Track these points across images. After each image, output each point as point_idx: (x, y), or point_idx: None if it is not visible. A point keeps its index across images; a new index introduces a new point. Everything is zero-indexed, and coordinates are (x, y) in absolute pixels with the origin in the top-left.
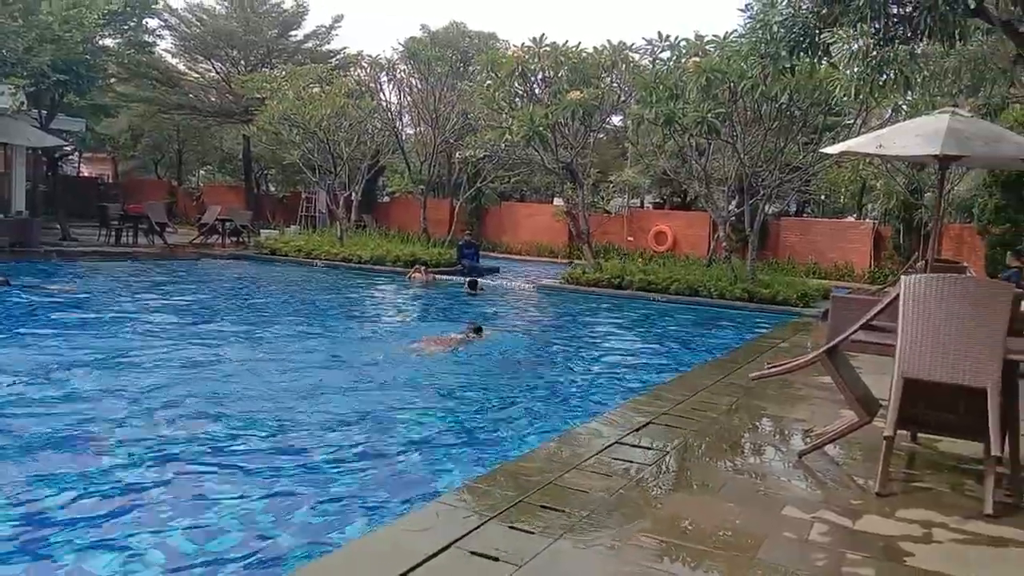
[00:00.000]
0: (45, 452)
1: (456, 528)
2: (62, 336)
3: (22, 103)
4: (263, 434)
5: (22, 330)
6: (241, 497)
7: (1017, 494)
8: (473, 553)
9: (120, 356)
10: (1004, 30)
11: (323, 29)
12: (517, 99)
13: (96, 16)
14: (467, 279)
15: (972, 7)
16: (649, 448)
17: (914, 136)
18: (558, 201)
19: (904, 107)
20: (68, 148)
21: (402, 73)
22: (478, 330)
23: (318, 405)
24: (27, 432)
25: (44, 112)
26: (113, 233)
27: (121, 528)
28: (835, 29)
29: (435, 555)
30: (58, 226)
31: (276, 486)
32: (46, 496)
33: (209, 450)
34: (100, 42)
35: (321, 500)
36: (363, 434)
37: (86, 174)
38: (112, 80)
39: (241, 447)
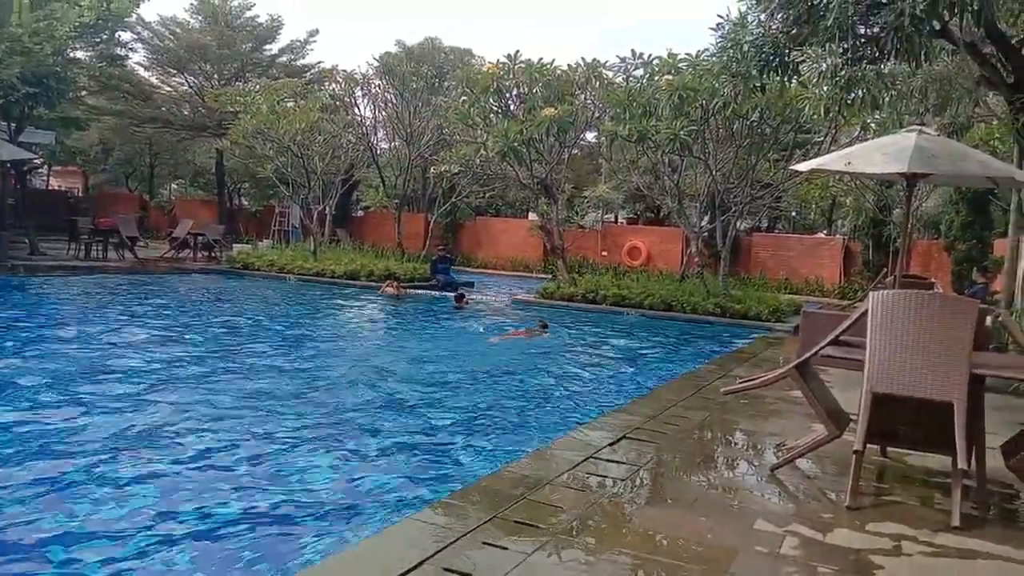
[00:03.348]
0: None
1: (430, 544)
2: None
3: None
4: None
5: None
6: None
7: (984, 507)
8: (447, 570)
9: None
10: (968, 51)
11: (298, 43)
12: (492, 115)
13: (67, 29)
14: (454, 294)
15: (937, 28)
16: (622, 463)
17: (882, 154)
18: (533, 216)
19: (873, 125)
20: (37, 161)
21: (377, 88)
22: (544, 326)
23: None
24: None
25: (13, 125)
26: (83, 247)
27: None
28: (804, 49)
29: (408, 572)
30: (26, 240)
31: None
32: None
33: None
34: (71, 54)
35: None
36: None
37: (56, 187)
38: (83, 93)
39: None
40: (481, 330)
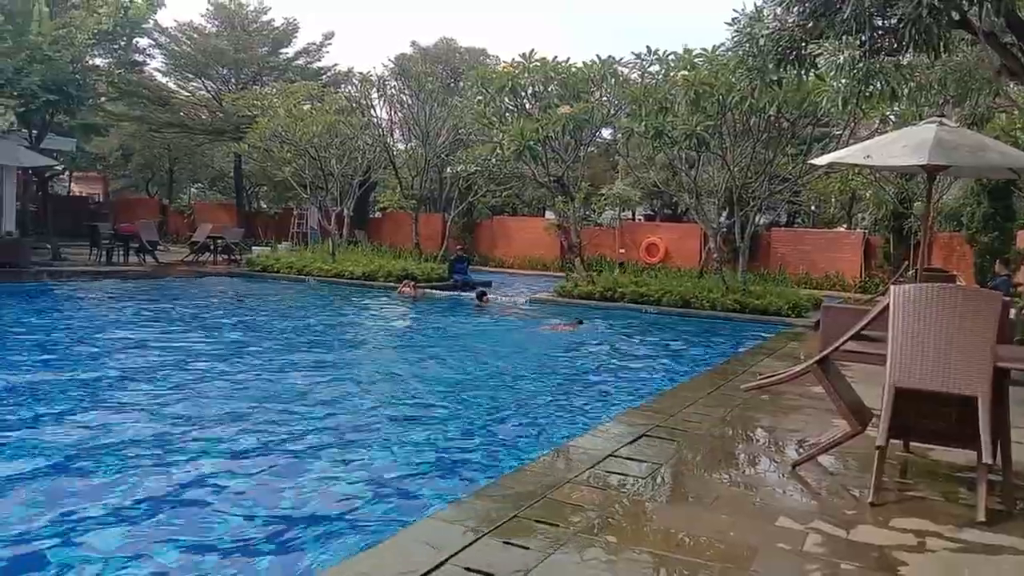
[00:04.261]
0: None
1: (451, 544)
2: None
3: (12, 123)
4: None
5: None
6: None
7: (1009, 501)
8: (468, 569)
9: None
10: (987, 41)
11: (313, 46)
12: (507, 114)
13: (86, 36)
14: (476, 292)
15: (956, 19)
16: (643, 461)
17: (901, 146)
18: (549, 214)
19: (892, 118)
20: (58, 168)
21: (393, 89)
22: (580, 322)
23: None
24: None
25: (34, 132)
26: (104, 252)
27: None
28: (821, 41)
29: (430, 571)
30: (48, 246)
31: None
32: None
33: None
34: (90, 62)
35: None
36: None
37: (77, 193)
38: (102, 99)
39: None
40: (515, 327)
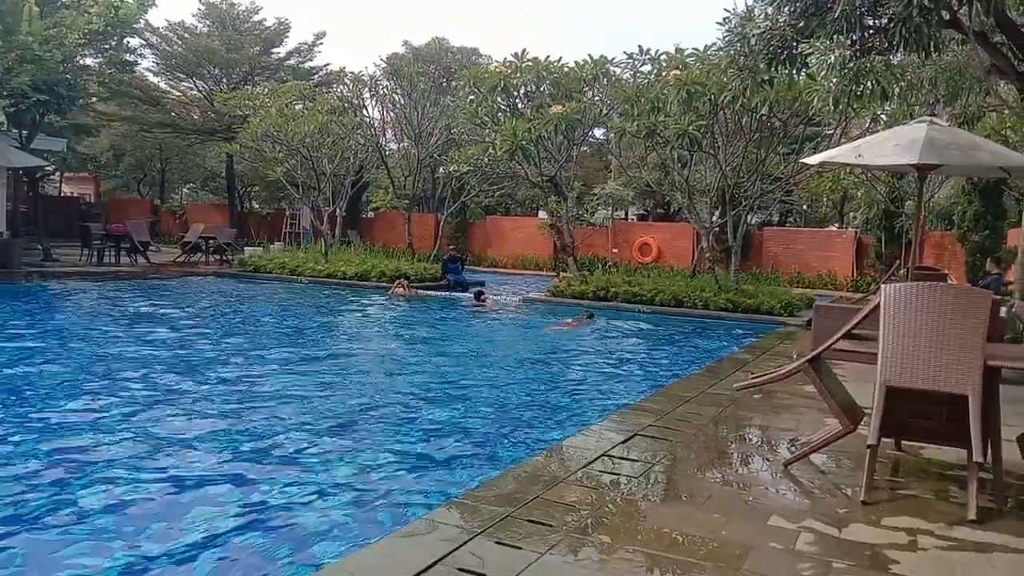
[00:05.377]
0: None
1: (443, 544)
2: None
3: (2, 123)
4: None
5: None
6: None
7: (1000, 499)
8: (461, 570)
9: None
10: (977, 41)
11: (305, 46)
12: (500, 114)
13: (76, 36)
14: (473, 291)
15: (946, 18)
16: (635, 460)
17: (892, 145)
18: (543, 214)
19: (883, 117)
20: (49, 168)
21: (385, 89)
22: (590, 316)
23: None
24: None
25: (24, 132)
26: (95, 253)
27: None
28: (812, 41)
29: (423, 571)
30: (39, 247)
31: None
32: None
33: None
34: (81, 61)
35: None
36: None
37: (68, 194)
38: (93, 99)
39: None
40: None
